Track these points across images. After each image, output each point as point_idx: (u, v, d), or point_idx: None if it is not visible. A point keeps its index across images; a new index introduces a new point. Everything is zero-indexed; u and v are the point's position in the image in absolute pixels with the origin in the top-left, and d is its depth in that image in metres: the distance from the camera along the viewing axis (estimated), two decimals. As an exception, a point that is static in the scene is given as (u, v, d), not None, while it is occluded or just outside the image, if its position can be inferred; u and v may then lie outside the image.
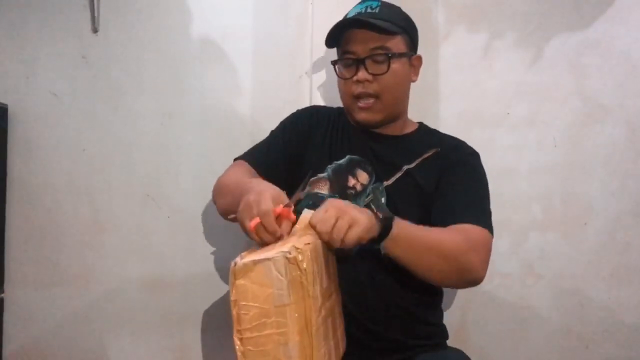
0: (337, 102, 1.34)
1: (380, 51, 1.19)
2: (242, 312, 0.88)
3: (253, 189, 1.00)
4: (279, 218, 0.95)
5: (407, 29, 1.24)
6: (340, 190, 1.22)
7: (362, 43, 1.19)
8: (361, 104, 1.22)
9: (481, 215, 1.15)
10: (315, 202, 0.98)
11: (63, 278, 1.48)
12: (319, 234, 0.93)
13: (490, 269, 1.12)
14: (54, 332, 1.48)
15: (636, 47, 1.48)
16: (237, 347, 0.89)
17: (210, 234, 1.53)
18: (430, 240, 1.05)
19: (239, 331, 0.88)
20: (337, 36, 1.24)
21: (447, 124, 1.44)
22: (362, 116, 1.24)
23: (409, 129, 1.31)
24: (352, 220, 0.93)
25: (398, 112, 1.27)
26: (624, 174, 1.48)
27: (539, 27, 1.51)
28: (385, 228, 0.98)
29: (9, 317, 1.45)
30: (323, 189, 1.23)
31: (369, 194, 1.21)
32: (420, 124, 1.35)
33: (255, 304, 0.87)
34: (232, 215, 1.04)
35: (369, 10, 1.21)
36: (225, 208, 1.20)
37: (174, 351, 1.53)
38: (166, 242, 1.51)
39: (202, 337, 1.54)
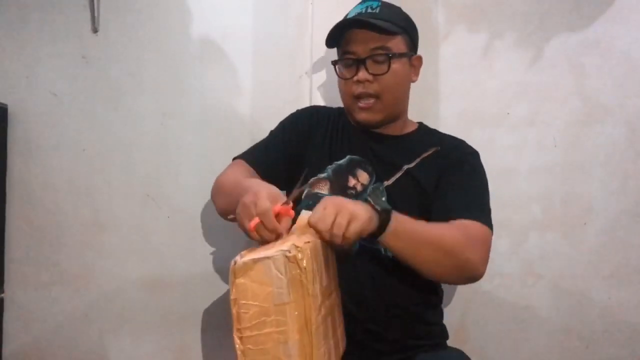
0: (337, 102, 1.34)
1: (380, 51, 1.19)
2: (242, 310, 0.88)
3: (250, 189, 1.00)
4: (278, 216, 0.95)
5: (407, 29, 1.24)
6: (341, 191, 1.22)
7: (363, 43, 1.19)
8: (361, 104, 1.22)
9: (481, 212, 1.15)
10: (314, 202, 0.98)
11: (63, 278, 1.48)
12: (319, 233, 0.93)
13: (490, 269, 1.12)
14: (54, 332, 1.48)
15: (636, 47, 1.48)
16: (237, 345, 0.89)
17: (210, 234, 1.53)
18: (429, 234, 1.05)
19: (238, 330, 0.88)
20: (338, 36, 1.24)
21: (447, 124, 1.44)
22: (362, 116, 1.24)
23: (409, 129, 1.31)
24: (351, 214, 0.92)
25: (398, 112, 1.27)
26: (623, 174, 1.48)
27: (539, 27, 1.51)
28: (384, 220, 0.98)
29: (9, 317, 1.45)
30: (323, 189, 1.23)
31: (369, 194, 1.21)
32: (420, 124, 1.35)
33: (255, 303, 0.87)
34: (232, 216, 1.04)
35: (369, 10, 1.21)
36: (224, 208, 1.21)
37: (174, 351, 1.53)
38: (166, 242, 1.51)
39: (202, 337, 1.54)
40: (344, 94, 1.26)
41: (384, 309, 1.18)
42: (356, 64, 1.21)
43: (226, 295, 1.13)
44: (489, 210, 1.18)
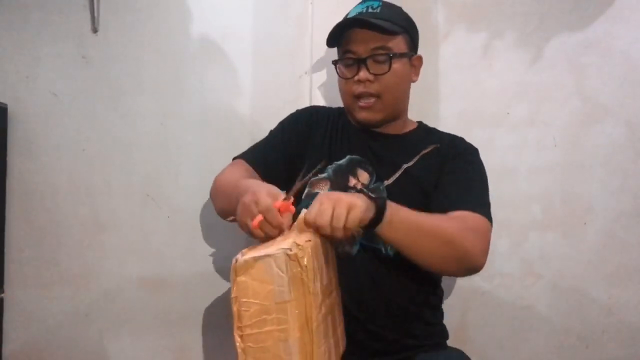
0: (337, 102, 1.34)
1: (381, 51, 1.19)
2: (243, 308, 0.88)
3: (248, 189, 1.00)
4: (279, 212, 0.95)
5: (408, 29, 1.24)
6: (341, 191, 1.22)
7: (364, 43, 1.19)
8: (362, 103, 1.22)
9: (479, 204, 1.15)
10: (314, 202, 0.98)
11: (63, 278, 1.48)
12: (319, 228, 0.93)
13: (490, 269, 1.12)
14: (54, 332, 1.48)
15: (636, 47, 1.48)
16: (238, 343, 0.89)
17: (210, 234, 1.53)
18: (427, 224, 1.04)
19: (239, 328, 0.88)
20: (338, 36, 1.24)
21: (447, 124, 1.44)
22: (362, 115, 1.24)
23: (409, 128, 1.32)
24: (348, 205, 0.92)
25: (398, 111, 1.28)
26: (623, 173, 1.48)
27: (539, 27, 1.51)
28: (380, 208, 0.97)
29: (9, 317, 1.45)
30: (323, 190, 1.23)
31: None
32: (420, 123, 1.35)
33: (255, 301, 0.87)
34: (232, 217, 1.04)
35: (370, 10, 1.21)
36: (223, 208, 1.21)
37: (174, 351, 1.53)
38: (166, 242, 1.51)
39: (202, 337, 1.54)
40: (344, 94, 1.26)
41: (384, 309, 1.18)
42: (357, 63, 1.21)
43: (226, 294, 1.13)
44: (488, 204, 1.17)
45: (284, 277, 0.86)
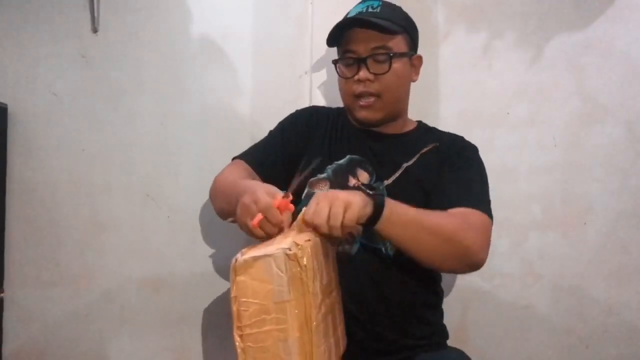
0: (337, 102, 1.34)
1: (381, 51, 1.19)
2: (242, 308, 0.88)
3: (247, 189, 1.00)
4: (278, 210, 0.95)
5: (408, 28, 1.24)
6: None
7: (364, 42, 1.19)
8: (362, 102, 1.22)
9: (479, 201, 1.15)
10: (314, 202, 0.98)
11: (63, 278, 1.48)
12: (317, 228, 0.93)
13: (490, 269, 1.12)
14: (54, 332, 1.48)
15: (636, 47, 1.48)
16: (237, 343, 0.89)
17: (210, 234, 1.53)
18: (427, 220, 1.04)
19: (239, 327, 0.89)
20: (338, 35, 1.24)
21: (447, 124, 1.43)
22: (362, 114, 1.24)
23: (409, 128, 1.32)
24: (345, 203, 0.93)
25: (398, 111, 1.28)
26: (623, 174, 1.48)
27: (539, 27, 1.51)
28: (378, 204, 0.97)
29: (9, 317, 1.46)
30: (323, 190, 1.23)
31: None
32: (419, 122, 1.35)
33: (255, 300, 0.87)
34: (231, 218, 1.04)
35: (370, 9, 1.21)
36: (221, 208, 1.21)
37: (174, 351, 1.53)
38: (166, 242, 1.52)
39: (202, 337, 1.54)
40: (344, 93, 1.26)
41: (384, 309, 1.18)
42: (357, 63, 1.21)
43: (226, 294, 1.13)
44: (488, 201, 1.18)
45: (284, 277, 0.86)
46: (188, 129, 1.52)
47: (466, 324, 1.53)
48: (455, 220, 1.08)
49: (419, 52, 1.30)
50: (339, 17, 1.25)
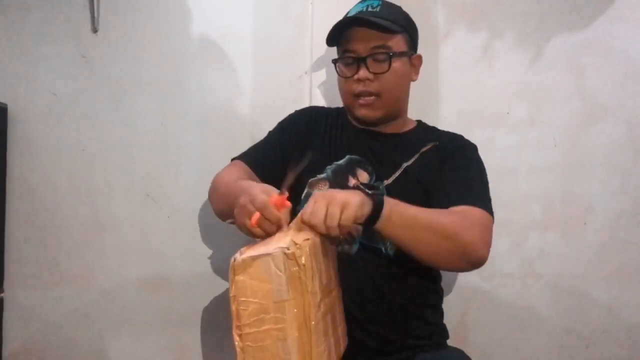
0: (337, 102, 1.34)
1: (381, 50, 1.19)
2: (241, 307, 0.88)
3: (242, 190, 1.00)
4: (275, 207, 0.95)
5: (407, 28, 1.24)
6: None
7: (363, 42, 1.19)
8: (362, 100, 1.22)
9: (479, 198, 1.15)
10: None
11: (63, 278, 1.48)
12: (314, 228, 0.92)
13: (490, 269, 1.12)
14: (54, 332, 1.48)
15: (636, 47, 1.48)
16: (237, 342, 0.89)
17: (210, 234, 1.53)
18: (427, 219, 1.04)
19: (238, 327, 0.89)
20: (338, 35, 1.23)
21: (447, 124, 1.43)
22: (362, 113, 1.24)
23: (408, 127, 1.32)
24: (342, 202, 0.92)
25: (398, 110, 1.28)
26: (623, 173, 1.48)
27: (539, 27, 1.51)
28: (377, 204, 0.97)
29: (9, 317, 1.46)
30: (322, 190, 1.23)
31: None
32: (419, 121, 1.35)
33: (254, 300, 0.87)
34: (230, 220, 1.05)
35: (369, 9, 1.21)
36: (220, 209, 1.22)
37: (174, 351, 1.53)
38: (166, 242, 1.52)
39: (202, 337, 1.54)
40: (344, 93, 1.26)
41: (384, 309, 1.18)
42: (357, 62, 1.21)
43: (226, 294, 1.13)
44: (488, 198, 1.17)
45: (282, 276, 0.86)
46: (188, 129, 1.52)
47: (466, 324, 1.53)
48: (455, 217, 1.07)
49: (419, 51, 1.30)
50: (339, 17, 1.25)
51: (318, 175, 1.24)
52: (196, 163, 1.52)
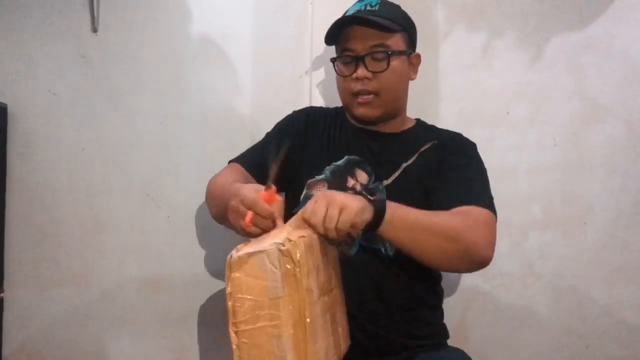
0: (337, 102, 1.33)
1: (380, 49, 1.19)
2: (237, 304, 0.88)
3: (233, 194, 1.01)
4: (266, 202, 0.96)
5: (406, 26, 1.24)
6: (339, 191, 1.21)
7: (362, 40, 1.19)
8: (360, 99, 1.22)
9: (481, 197, 1.14)
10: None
11: (63, 278, 1.48)
12: (313, 227, 0.93)
13: (490, 269, 1.11)
14: (53, 332, 1.48)
15: (636, 47, 1.48)
16: (232, 339, 0.89)
17: (210, 234, 1.52)
18: (429, 221, 1.04)
19: (234, 324, 0.89)
20: (337, 33, 1.23)
21: (446, 123, 1.43)
22: (361, 111, 1.23)
23: (407, 126, 1.31)
24: (341, 205, 0.92)
25: (397, 109, 1.27)
26: (623, 173, 1.48)
27: (539, 27, 1.51)
28: (379, 210, 0.97)
29: (9, 316, 1.46)
30: (316, 191, 1.23)
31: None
32: (418, 120, 1.34)
33: (249, 297, 0.87)
34: (227, 224, 1.05)
35: (368, 7, 1.21)
36: (215, 213, 1.23)
37: (174, 351, 1.53)
38: (166, 242, 1.51)
39: (202, 337, 1.53)
40: (342, 91, 1.26)
41: (383, 309, 1.18)
42: (355, 61, 1.20)
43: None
44: (490, 196, 1.17)
45: (277, 273, 0.86)
46: (188, 129, 1.52)
47: (466, 324, 1.53)
48: (458, 219, 1.07)
49: (419, 51, 1.30)
50: (339, 17, 1.25)
51: (316, 177, 1.24)
52: (196, 163, 1.52)
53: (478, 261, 1.08)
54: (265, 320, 0.87)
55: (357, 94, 1.22)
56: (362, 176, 1.23)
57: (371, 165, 1.23)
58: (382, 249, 1.17)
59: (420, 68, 1.30)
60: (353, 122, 1.29)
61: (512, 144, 1.51)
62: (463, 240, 1.04)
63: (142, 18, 1.50)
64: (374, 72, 1.19)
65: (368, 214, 0.96)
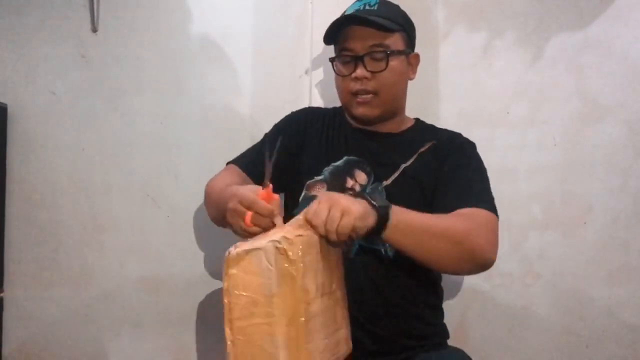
0: (336, 102, 1.33)
1: (379, 48, 1.19)
2: (234, 301, 0.89)
3: (230, 195, 1.01)
4: (264, 201, 0.96)
5: (405, 26, 1.24)
6: (338, 192, 1.21)
7: (361, 40, 1.19)
8: (359, 99, 1.22)
9: (483, 199, 1.14)
10: (312, 205, 0.98)
11: (63, 278, 1.48)
12: (314, 228, 0.92)
13: (491, 269, 1.11)
14: (53, 332, 1.48)
15: (636, 47, 1.48)
16: (227, 335, 0.90)
17: (209, 234, 1.52)
18: (432, 225, 1.03)
19: (229, 320, 0.89)
20: (336, 33, 1.23)
21: (446, 124, 1.43)
22: (360, 111, 1.23)
23: (406, 126, 1.31)
24: (343, 209, 0.92)
25: (396, 109, 1.27)
26: (623, 173, 1.47)
27: (539, 27, 1.50)
28: (383, 216, 0.96)
29: (9, 316, 1.46)
30: (320, 192, 1.22)
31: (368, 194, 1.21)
32: (417, 119, 1.34)
33: (246, 293, 0.88)
34: (227, 226, 1.05)
35: (367, 7, 1.21)
36: (213, 216, 1.22)
37: (174, 351, 1.53)
38: (165, 242, 1.52)
39: (202, 337, 1.53)
40: (341, 91, 1.25)
41: (383, 310, 1.18)
42: (354, 60, 1.20)
43: (225, 294, 1.14)
44: (491, 197, 1.16)
45: (273, 270, 0.86)
46: (188, 129, 1.52)
47: (466, 324, 1.53)
48: (462, 221, 1.06)
49: (419, 51, 1.29)
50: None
51: (315, 177, 1.24)
52: (196, 163, 1.52)
53: (482, 263, 1.08)
54: (260, 317, 0.87)
55: (356, 94, 1.21)
56: (361, 177, 1.23)
57: (370, 166, 1.23)
58: (382, 250, 1.17)
59: (420, 68, 1.30)
60: (352, 122, 1.29)
61: (512, 144, 1.51)
62: (467, 244, 1.04)
63: (142, 18, 1.50)
64: (372, 72, 1.19)
65: (371, 220, 0.95)
